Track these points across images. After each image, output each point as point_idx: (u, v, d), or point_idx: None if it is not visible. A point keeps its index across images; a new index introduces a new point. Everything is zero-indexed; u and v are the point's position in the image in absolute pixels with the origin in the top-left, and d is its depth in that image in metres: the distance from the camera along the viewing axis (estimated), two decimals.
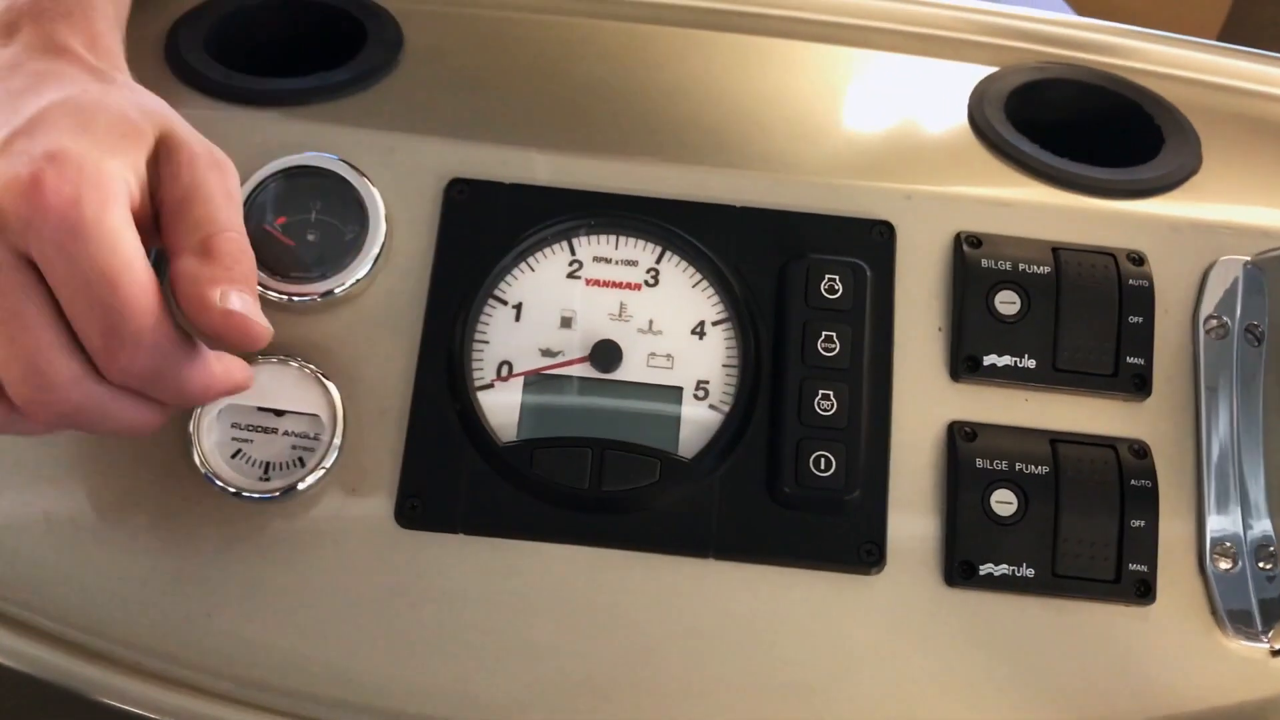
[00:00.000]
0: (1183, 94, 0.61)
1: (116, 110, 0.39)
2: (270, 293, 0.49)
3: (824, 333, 0.49)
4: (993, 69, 0.61)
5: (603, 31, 0.61)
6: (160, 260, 0.40)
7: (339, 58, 0.57)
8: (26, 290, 0.36)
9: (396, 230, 0.51)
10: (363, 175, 0.51)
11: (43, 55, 0.42)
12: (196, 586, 0.47)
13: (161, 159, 0.40)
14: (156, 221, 0.41)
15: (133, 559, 0.47)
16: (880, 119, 0.59)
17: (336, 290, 0.50)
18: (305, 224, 0.51)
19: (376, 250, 0.50)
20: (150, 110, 0.41)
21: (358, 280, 0.50)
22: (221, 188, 0.41)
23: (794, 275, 0.50)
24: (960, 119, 0.58)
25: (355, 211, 0.51)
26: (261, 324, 0.39)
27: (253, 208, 0.50)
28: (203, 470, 0.47)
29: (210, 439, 0.48)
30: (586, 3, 0.61)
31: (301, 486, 0.47)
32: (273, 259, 0.50)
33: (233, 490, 0.47)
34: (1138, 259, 0.52)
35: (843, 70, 0.61)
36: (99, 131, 0.38)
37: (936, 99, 0.60)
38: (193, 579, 0.47)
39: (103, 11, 0.46)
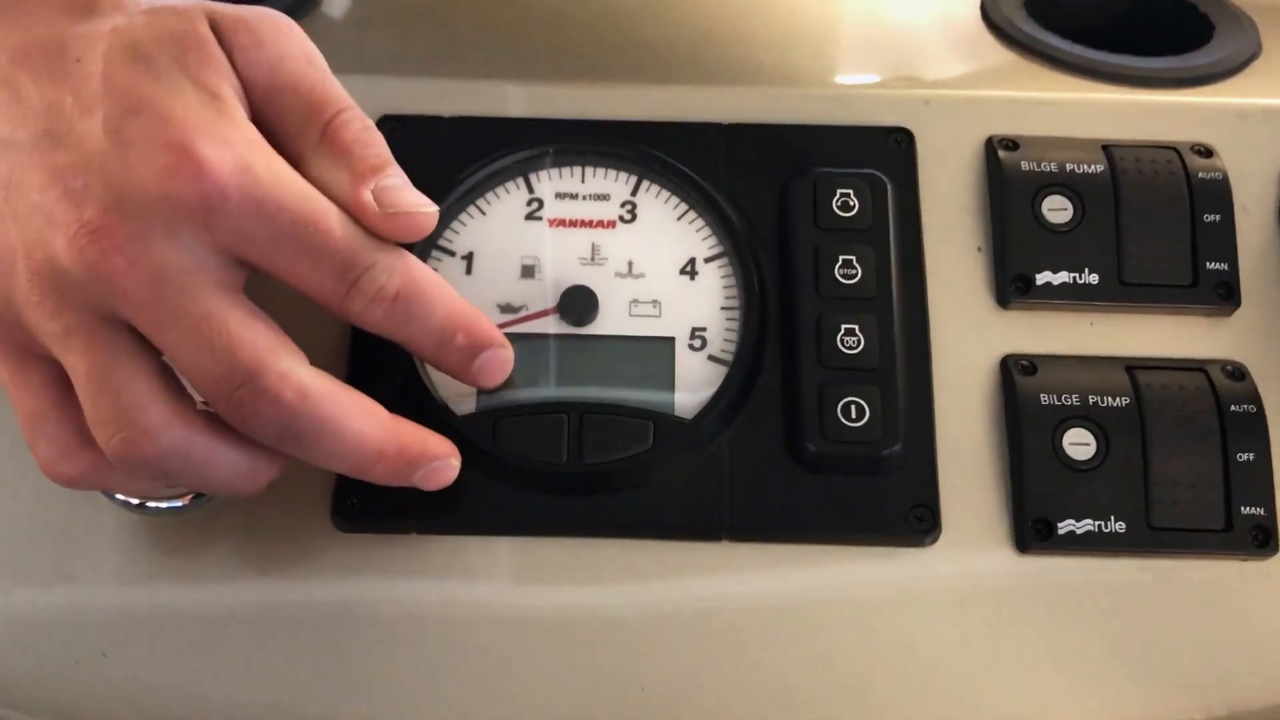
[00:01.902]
0: None
1: (165, 32, 0.34)
2: None
3: (841, 257, 0.41)
4: None
5: None
6: None
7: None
8: (115, 331, 0.33)
9: None
10: None
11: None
12: (90, 621, 0.39)
13: (225, 48, 0.35)
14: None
15: (9, 592, 0.39)
16: (883, 25, 0.51)
17: None
18: None
19: None
20: (179, 9, 0.35)
21: None
22: (300, 53, 0.36)
23: (799, 194, 0.42)
24: (974, 20, 0.51)
25: None
26: (425, 211, 0.36)
27: None
28: None
29: None
30: None
31: None
32: None
33: (135, 502, 0.39)
34: (1205, 151, 0.44)
35: None
36: (175, 65, 0.33)
37: (942, 2, 0.52)
38: (86, 612, 0.39)
39: None
